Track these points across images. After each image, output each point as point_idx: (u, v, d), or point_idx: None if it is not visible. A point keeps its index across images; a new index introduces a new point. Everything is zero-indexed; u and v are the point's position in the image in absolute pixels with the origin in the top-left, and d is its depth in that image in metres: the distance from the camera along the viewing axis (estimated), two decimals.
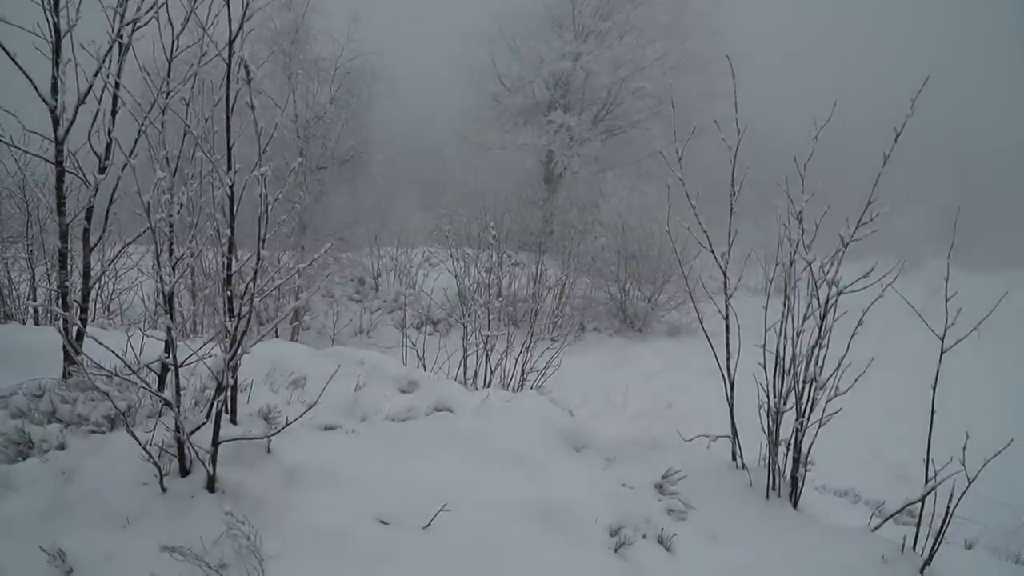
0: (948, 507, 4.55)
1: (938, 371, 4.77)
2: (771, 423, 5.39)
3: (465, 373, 9.36)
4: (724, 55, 5.85)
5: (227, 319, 4.18)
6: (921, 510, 4.77)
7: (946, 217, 5.22)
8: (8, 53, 4.71)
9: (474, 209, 22.17)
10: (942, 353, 4.74)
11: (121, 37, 4.93)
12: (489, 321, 10.03)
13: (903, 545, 4.69)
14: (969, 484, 4.43)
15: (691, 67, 29.17)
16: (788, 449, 5.32)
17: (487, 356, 9.41)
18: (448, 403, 6.14)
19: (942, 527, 4.59)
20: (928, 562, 4.57)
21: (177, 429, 4.13)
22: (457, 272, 15.34)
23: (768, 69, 32.46)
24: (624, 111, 31.01)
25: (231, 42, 4.13)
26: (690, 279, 6.34)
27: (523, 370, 9.68)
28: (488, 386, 9.01)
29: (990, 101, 38.69)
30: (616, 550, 4.42)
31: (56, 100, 4.91)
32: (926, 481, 4.71)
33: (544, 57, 30.54)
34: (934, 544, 4.60)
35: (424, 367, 9.22)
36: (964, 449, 4.41)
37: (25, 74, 4.78)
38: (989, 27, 40.11)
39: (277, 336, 15.07)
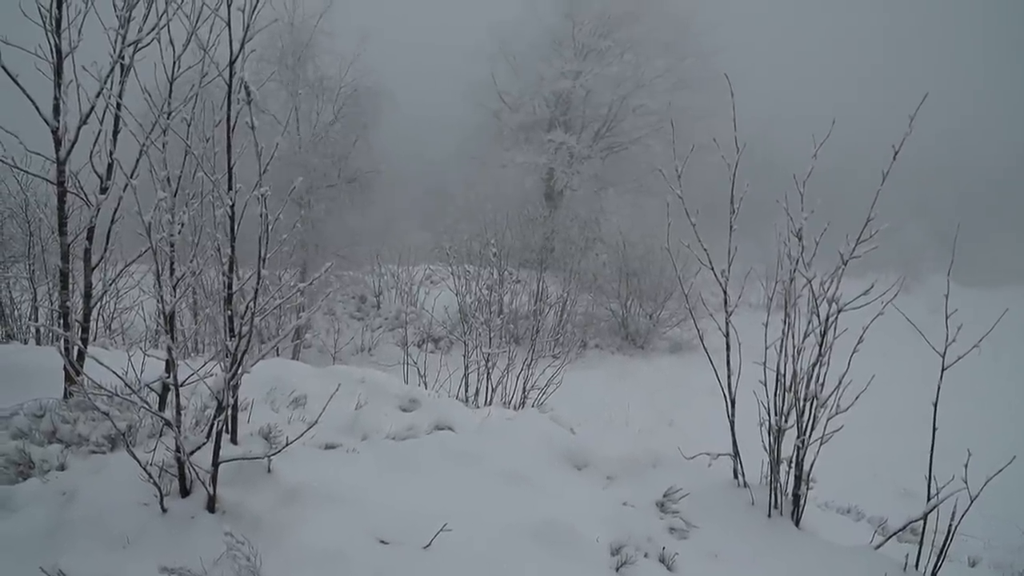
0: (951, 524, 4.54)
1: (939, 388, 4.76)
2: (772, 441, 5.38)
3: (466, 391, 9.36)
4: (723, 73, 5.87)
5: (228, 338, 4.18)
6: (924, 528, 4.75)
7: (947, 232, 5.22)
8: (10, 74, 4.73)
9: (475, 226, 22.21)
10: (943, 370, 4.73)
11: (123, 58, 4.96)
12: (490, 338, 10.03)
13: (906, 563, 4.67)
14: (972, 501, 4.42)
15: (691, 84, 29.28)
16: (790, 467, 5.31)
17: (488, 374, 9.41)
18: (449, 421, 6.13)
19: (945, 544, 4.58)
20: None
21: (177, 449, 4.12)
22: (458, 289, 15.38)
23: (770, 86, 32.55)
24: (625, 128, 31.11)
25: (232, 63, 4.15)
26: (691, 296, 6.33)
27: (524, 388, 9.68)
28: (489, 404, 9.00)
29: (991, 117, 38.77)
30: (617, 569, 4.40)
31: (58, 121, 4.94)
32: (928, 498, 4.70)
33: (544, 75, 30.67)
34: (937, 562, 4.58)
35: (425, 385, 9.22)
36: (966, 466, 4.40)
37: (27, 95, 4.80)
38: (989, 44, 40.23)
39: (278, 355, 15.06)
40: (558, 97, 31.30)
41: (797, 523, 5.25)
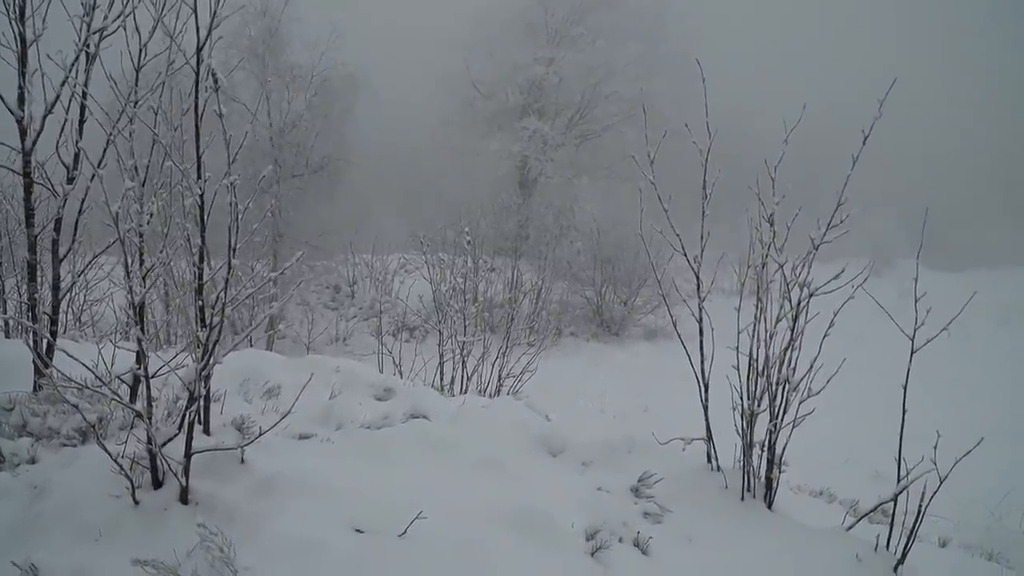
0: (920, 505, 4.59)
1: (908, 371, 4.81)
2: (745, 425, 5.42)
3: (442, 379, 9.36)
4: (695, 59, 5.87)
5: (199, 329, 4.15)
6: (894, 509, 4.80)
7: (917, 219, 5.27)
8: None
9: (450, 215, 22.16)
10: (912, 353, 4.78)
11: (88, 46, 4.89)
12: (465, 327, 10.03)
13: (877, 544, 4.72)
14: (941, 483, 4.47)
15: (663, 71, 29.32)
16: (762, 451, 5.35)
17: (463, 362, 9.41)
18: (424, 410, 6.12)
19: (914, 525, 4.62)
20: (901, 560, 4.61)
21: (149, 441, 4.10)
22: (432, 278, 15.39)
23: (745, 71, 32.62)
24: (597, 116, 31.15)
25: (199, 50, 4.11)
26: (664, 282, 6.35)
27: (500, 375, 9.69)
28: (465, 392, 9.01)
29: (959, 103, 39.03)
30: (592, 554, 4.42)
31: (23, 111, 4.87)
32: (898, 480, 4.75)
33: (518, 62, 30.61)
34: (907, 542, 4.63)
35: (400, 374, 9.20)
36: (935, 448, 4.45)
37: None
38: (958, 30, 40.46)
39: (252, 345, 14.98)
40: (531, 84, 31.25)
41: (770, 506, 5.30)
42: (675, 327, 6.06)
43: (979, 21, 40.18)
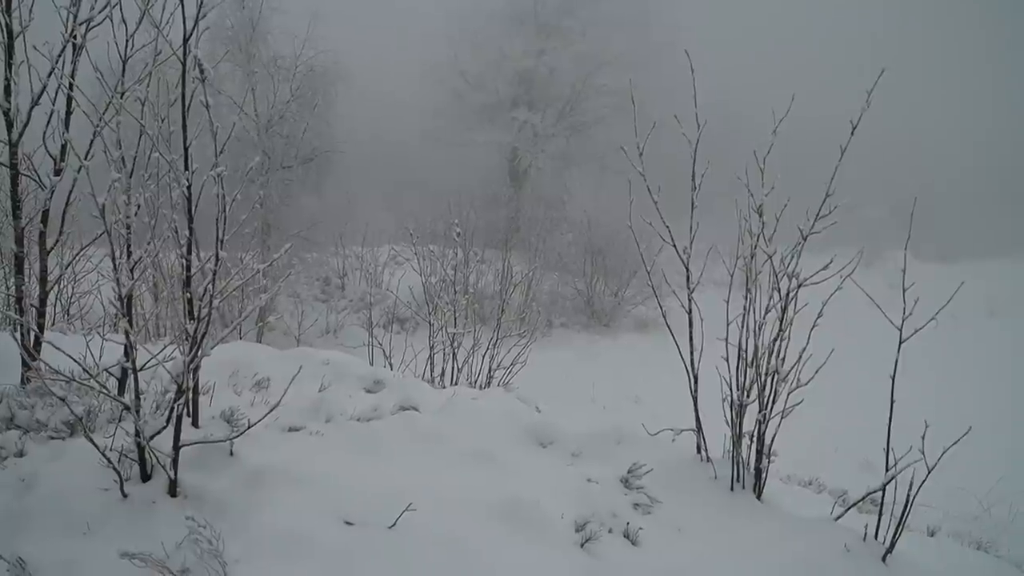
0: (908, 495, 4.61)
1: (897, 361, 4.82)
2: (734, 416, 5.43)
3: (432, 371, 9.34)
4: (684, 50, 5.85)
5: (187, 321, 4.14)
6: (882, 498, 4.82)
7: (907, 210, 5.28)
8: None
9: (439, 207, 22.13)
10: (900, 343, 4.79)
11: (75, 37, 4.86)
12: (455, 319, 10.01)
13: (865, 534, 4.74)
14: (929, 472, 4.49)
15: (653, 62, 29.23)
16: (752, 441, 5.36)
17: (454, 354, 9.40)
18: (414, 402, 6.11)
19: (903, 515, 4.65)
20: (890, 550, 4.63)
21: (137, 434, 4.08)
22: (422, 270, 15.38)
23: (735, 66, 32.59)
24: (588, 107, 31.07)
25: (186, 40, 4.09)
26: (654, 274, 6.35)
27: (490, 367, 9.68)
28: (455, 384, 9.00)
29: (953, 95, 39.08)
30: (582, 545, 4.43)
31: (9, 102, 4.83)
32: (887, 470, 4.77)
33: (507, 54, 30.51)
34: (896, 532, 4.66)
35: (391, 366, 9.19)
36: (923, 438, 4.46)
37: None
38: (953, 23, 40.44)
39: (242, 337, 14.95)
40: (521, 76, 31.17)
41: (759, 496, 5.32)
42: (665, 319, 6.06)
43: (974, 13, 40.18)
